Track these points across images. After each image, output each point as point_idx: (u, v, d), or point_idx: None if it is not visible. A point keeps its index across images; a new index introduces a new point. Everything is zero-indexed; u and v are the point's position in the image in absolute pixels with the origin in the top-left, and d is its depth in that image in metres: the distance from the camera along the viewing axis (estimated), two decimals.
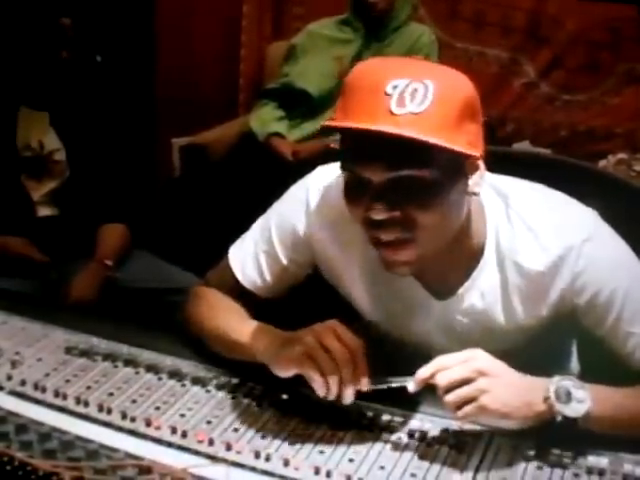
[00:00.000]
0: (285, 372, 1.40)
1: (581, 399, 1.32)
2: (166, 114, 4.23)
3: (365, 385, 1.36)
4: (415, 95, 1.25)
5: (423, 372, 1.34)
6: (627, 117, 3.90)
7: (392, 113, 1.25)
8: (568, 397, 1.32)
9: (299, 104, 3.63)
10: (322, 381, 1.35)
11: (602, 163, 3.52)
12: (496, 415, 1.32)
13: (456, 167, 1.33)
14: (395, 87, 1.26)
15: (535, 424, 1.34)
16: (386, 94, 1.26)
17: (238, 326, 1.54)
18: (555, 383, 1.33)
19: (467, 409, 1.30)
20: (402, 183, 1.29)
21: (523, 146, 3.85)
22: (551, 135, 4.00)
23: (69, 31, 2.52)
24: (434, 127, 1.25)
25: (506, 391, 1.32)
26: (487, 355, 1.34)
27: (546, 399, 1.32)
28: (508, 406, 1.31)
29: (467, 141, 1.30)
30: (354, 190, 1.35)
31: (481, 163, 1.38)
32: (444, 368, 1.33)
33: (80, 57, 2.88)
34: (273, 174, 3.29)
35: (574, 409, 1.32)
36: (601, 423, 1.34)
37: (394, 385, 1.37)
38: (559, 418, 1.32)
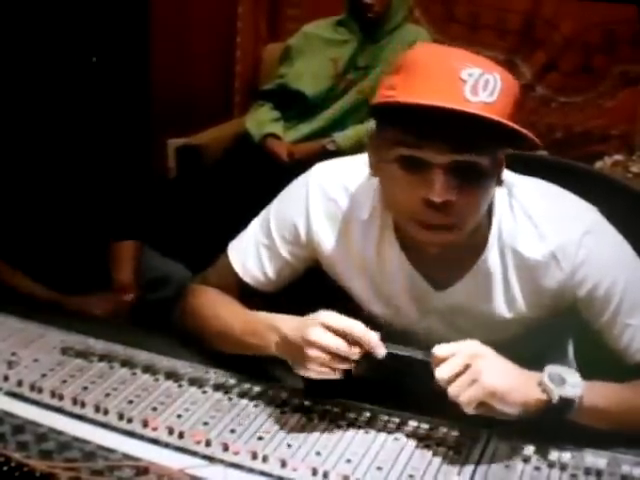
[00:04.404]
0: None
1: (574, 383, 1.33)
2: (161, 115, 4.22)
3: (380, 351, 1.37)
4: (487, 86, 1.30)
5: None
6: (623, 119, 3.91)
7: (466, 99, 1.28)
8: (562, 381, 1.33)
9: (295, 105, 3.63)
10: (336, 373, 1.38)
11: (598, 165, 3.51)
12: (498, 394, 1.30)
13: (498, 158, 1.39)
14: (470, 75, 1.30)
15: (534, 413, 1.33)
16: (461, 80, 1.29)
17: (244, 324, 1.53)
18: (547, 370, 1.34)
19: (470, 392, 1.30)
20: (462, 168, 1.33)
21: None
22: (547, 137, 4.00)
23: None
24: (504, 118, 1.30)
25: (502, 369, 1.34)
26: (477, 342, 1.36)
27: (540, 384, 1.33)
28: (507, 383, 1.31)
29: None
30: (407, 169, 1.36)
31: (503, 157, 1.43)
32: (441, 361, 1.34)
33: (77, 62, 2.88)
34: (269, 175, 3.29)
35: (569, 391, 1.32)
36: (592, 414, 1.35)
37: (405, 354, 1.38)
38: (555, 400, 1.31)
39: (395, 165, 1.37)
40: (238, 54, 4.45)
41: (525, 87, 4.02)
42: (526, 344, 1.50)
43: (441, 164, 1.32)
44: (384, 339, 1.40)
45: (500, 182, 1.43)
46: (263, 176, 3.34)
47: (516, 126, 1.29)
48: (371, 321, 1.62)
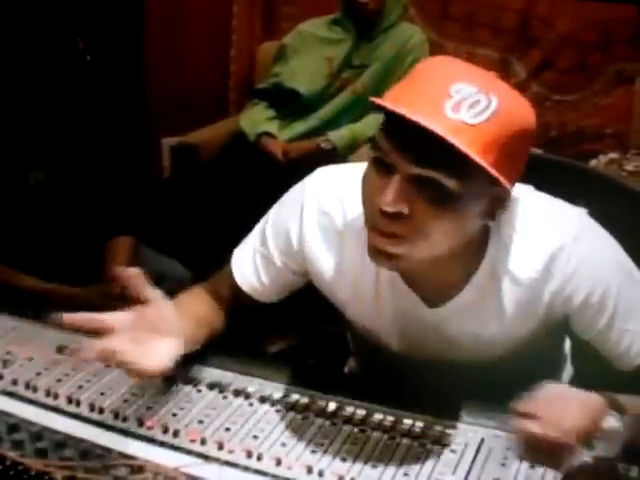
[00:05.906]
0: None
1: (617, 429, 1.27)
2: (156, 114, 4.22)
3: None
4: (475, 106, 1.23)
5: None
6: (617, 117, 3.91)
7: (445, 115, 1.22)
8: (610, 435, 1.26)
9: (290, 104, 3.63)
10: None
11: (593, 163, 3.52)
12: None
13: (480, 191, 1.29)
14: (458, 91, 1.23)
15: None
16: (448, 95, 1.23)
17: None
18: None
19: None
20: (424, 183, 1.25)
21: None
22: (542, 135, 4.00)
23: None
24: (479, 144, 1.22)
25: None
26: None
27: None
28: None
29: (507, 174, 1.27)
30: (377, 172, 1.31)
31: (508, 199, 1.35)
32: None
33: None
34: (264, 174, 3.30)
35: (608, 448, 1.26)
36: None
37: None
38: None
39: (370, 167, 1.33)
40: (233, 53, 4.46)
41: (520, 85, 4.03)
42: (520, 356, 1.48)
43: (402, 173, 1.26)
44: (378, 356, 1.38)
45: (491, 217, 1.35)
46: (258, 175, 3.35)
47: (469, 152, 1.20)
48: (364, 338, 1.63)
